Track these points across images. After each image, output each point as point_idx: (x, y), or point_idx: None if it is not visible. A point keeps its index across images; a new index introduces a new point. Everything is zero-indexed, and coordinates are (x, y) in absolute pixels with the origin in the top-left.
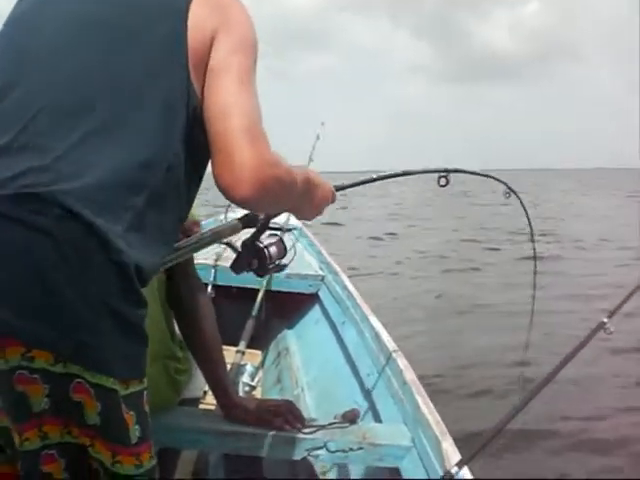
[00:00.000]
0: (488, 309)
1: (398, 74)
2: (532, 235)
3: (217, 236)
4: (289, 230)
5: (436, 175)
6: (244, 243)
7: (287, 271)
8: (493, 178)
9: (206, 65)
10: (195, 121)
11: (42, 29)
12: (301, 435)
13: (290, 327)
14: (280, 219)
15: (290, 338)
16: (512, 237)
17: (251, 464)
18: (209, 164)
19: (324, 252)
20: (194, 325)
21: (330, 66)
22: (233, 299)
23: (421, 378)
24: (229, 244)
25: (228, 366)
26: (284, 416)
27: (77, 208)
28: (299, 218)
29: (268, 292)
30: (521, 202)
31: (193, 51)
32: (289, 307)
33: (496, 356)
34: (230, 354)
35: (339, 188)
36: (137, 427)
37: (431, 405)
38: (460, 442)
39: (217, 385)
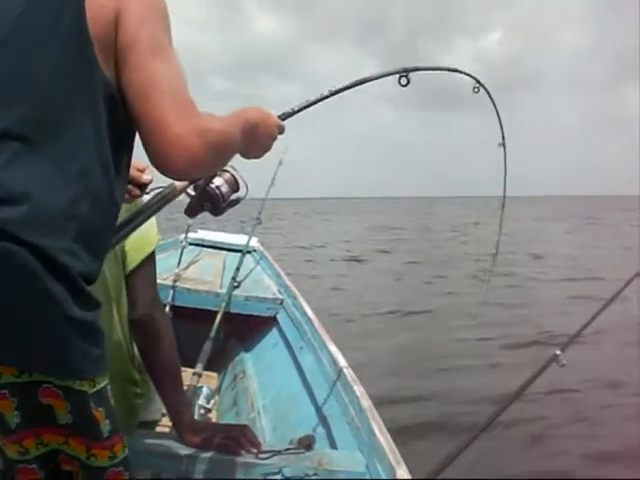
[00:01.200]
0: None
1: (367, 102)
2: (503, 138)
3: (167, 198)
4: (249, 252)
5: (397, 76)
6: (195, 186)
7: (246, 293)
8: (459, 72)
9: (115, 46)
10: (115, 108)
11: None
12: (257, 460)
13: (247, 350)
14: (241, 240)
15: (247, 361)
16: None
17: None
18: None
19: (283, 275)
20: (152, 346)
21: (299, 94)
22: (191, 320)
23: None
24: (183, 191)
25: (185, 388)
26: (239, 440)
27: (22, 234)
28: (247, 158)
29: (227, 314)
30: (489, 95)
31: (98, 38)
32: (247, 330)
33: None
34: (187, 376)
35: (285, 117)
36: (107, 421)
37: (386, 432)
38: (415, 471)
39: (174, 408)
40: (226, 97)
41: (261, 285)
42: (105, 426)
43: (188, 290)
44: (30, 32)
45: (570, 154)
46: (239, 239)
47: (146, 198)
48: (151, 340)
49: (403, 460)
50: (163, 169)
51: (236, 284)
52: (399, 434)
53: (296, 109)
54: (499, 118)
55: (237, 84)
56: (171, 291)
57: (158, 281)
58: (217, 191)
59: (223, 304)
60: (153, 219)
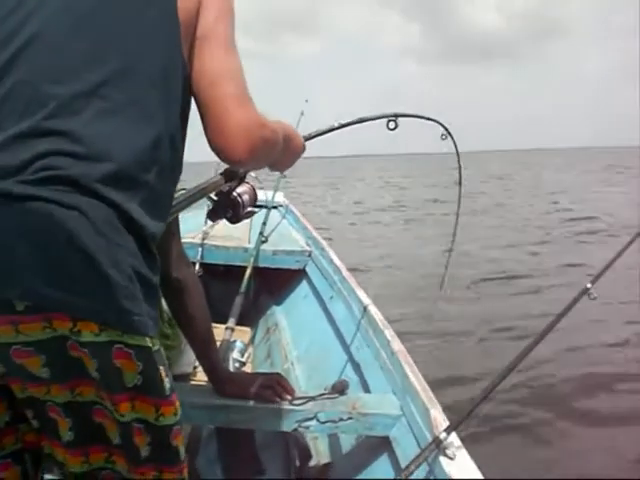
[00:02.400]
0: None
1: (389, 56)
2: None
3: (204, 192)
4: (275, 207)
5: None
6: (220, 193)
7: (274, 247)
8: (428, 119)
9: (194, 34)
10: (186, 90)
11: (31, 16)
12: (291, 407)
13: (278, 303)
14: (266, 196)
15: (279, 314)
16: None
17: (243, 436)
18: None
19: (310, 228)
20: (182, 302)
21: (320, 50)
22: (221, 277)
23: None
24: (209, 197)
25: (218, 343)
26: (273, 388)
27: (100, 190)
28: (274, 170)
29: (256, 269)
30: (454, 142)
31: (184, 24)
32: (277, 283)
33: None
34: (219, 331)
35: (307, 138)
36: (168, 379)
37: (419, 374)
38: (448, 410)
39: (207, 361)
40: (251, 56)
41: (288, 239)
42: (167, 383)
43: (216, 247)
44: (126, 6)
45: (596, 104)
46: (265, 195)
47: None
48: (179, 294)
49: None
50: (224, 153)
51: (264, 239)
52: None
53: (313, 134)
54: (459, 159)
55: (260, 43)
56: (200, 249)
57: (187, 240)
58: (240, 199)
59: (252, 259)
60: None
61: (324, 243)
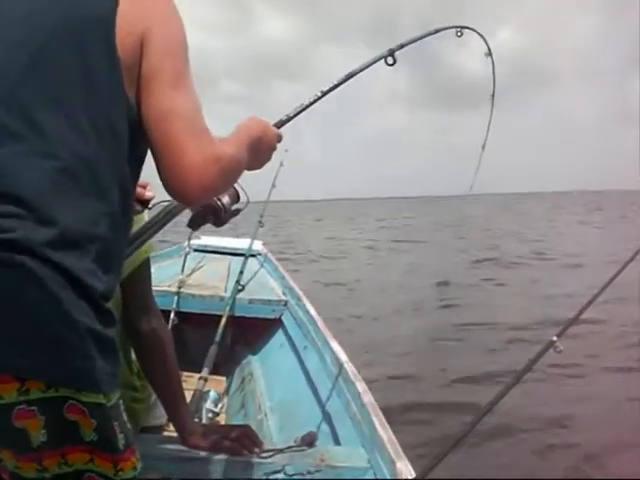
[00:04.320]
0: None
1: (377, 102)
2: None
3: (172, 214)
4: (253, 255)
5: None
6: None
7: (250, 296)
8: (443, 29)
9: (139, 71)
10: (136, 132)
11: None
12: (259, 460)
13: (254, 352)
14: (245, 245)
15: (254, 363)
16: None
17: None
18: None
19: (287, 277)
20: (151, 355)
21: (307, 95)
22: (196, 325)
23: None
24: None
25: (191, 392)
26: (242, 441)
27: (48, 254)
28: (249, 170)
29: (232, 317)
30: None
31: (125, 64)
32: (253, 332)
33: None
34: (193, 380)
35: (281, 124)
36: (122, 435)
37: (387, 426)
38: (416, 460)
39: (175, 414)
40: (237, 100)
41: (265, 287)
42: (122, 439)
43: (192, 296)
44: (58, 54)
45: (583, 148)
46: (243, 243)
47: (146, 213)
48: (148, 347)
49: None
50: (177, 195)
51: (240, 287)
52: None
53: (292, 115)
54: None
55: (248, 87)
56: (175, 297)
57: (163, 288)
58: (219, 203)
59: (227, 308)
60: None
61: (301, 293)
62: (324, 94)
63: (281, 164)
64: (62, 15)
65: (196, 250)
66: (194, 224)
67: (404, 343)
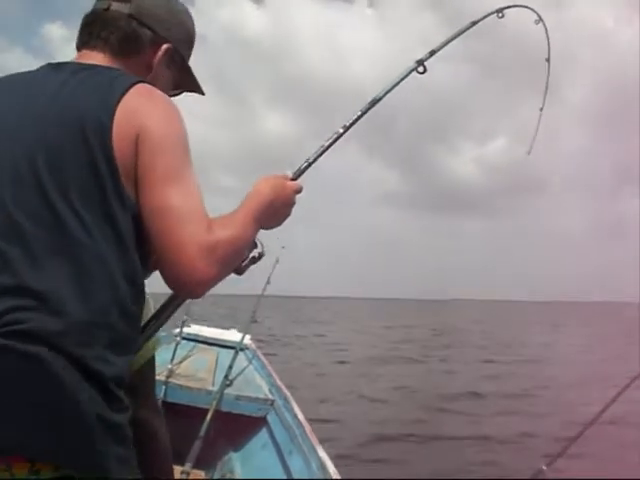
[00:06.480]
0: None
1: (368, 201)
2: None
3: (177, 303)
4: (242, 350)
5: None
6: None
7: (237, 392)
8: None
9: (136, 171)
10: (138, 225)
11: None
12: None
13: (236, 450)
14: (233, 336)
15: (235, 461)
16: None
17: None
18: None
19: (275, 376)
20: (148, 451)
21: (304, 195)
22: (182, 417)
23: None
24: None
25: None
26: None
27: (61, 343)
28: (268, 230)
29: (217, 412)
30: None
31: (122, 166)
32: (237, 429)
33: None
34: (175, 473)
35: (299, 174)
36: None
37: None
38: None
39: None
40: (231, 193)
41: (252, 384)
42: None
43: (180, 387)
44: (56, 162)
45: (574, 260)
46: (232, 335)
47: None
48: (143, 439)
49: None
50: (176, 292)
51: (228, 382)
52: None
53: (311, 160)
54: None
55: (243, 181)
56: (164, 387)
57: None
58: None
59: (214, 402)
60: None
61: (287, 393)
62: (346, 129)
63: (277, 261)
64: (61, 123)
65: (185, 338)
66: None
67: None
